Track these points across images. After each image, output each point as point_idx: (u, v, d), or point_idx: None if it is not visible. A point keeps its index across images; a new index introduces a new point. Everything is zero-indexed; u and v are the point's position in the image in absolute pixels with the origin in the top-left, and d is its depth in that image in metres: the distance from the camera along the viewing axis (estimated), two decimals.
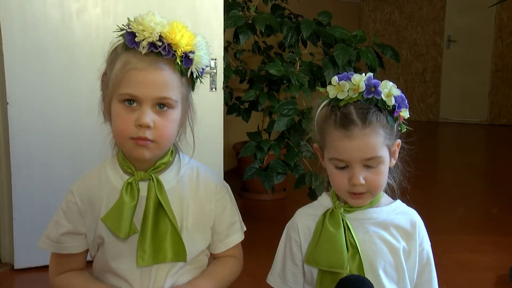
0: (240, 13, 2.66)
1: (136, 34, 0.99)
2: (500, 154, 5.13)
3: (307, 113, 2.41)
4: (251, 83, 2.89)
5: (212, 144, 2.22)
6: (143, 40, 0.99)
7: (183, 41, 1.00)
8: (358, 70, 2.52)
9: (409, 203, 1.15)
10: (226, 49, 2.78)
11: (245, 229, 1.22)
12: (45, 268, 2.10)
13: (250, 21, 2.70)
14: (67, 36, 2.08)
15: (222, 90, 2.25)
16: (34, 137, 2.08)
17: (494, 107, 6.73)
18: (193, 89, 1.10)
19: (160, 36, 0.99)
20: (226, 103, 2.79)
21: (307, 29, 2.66)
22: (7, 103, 2.03)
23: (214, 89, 2.20)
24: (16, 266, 2.14)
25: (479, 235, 2.68)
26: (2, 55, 2.02)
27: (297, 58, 2.69)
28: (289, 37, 2.74)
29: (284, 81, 2.62)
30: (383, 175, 1.05)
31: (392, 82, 1.06)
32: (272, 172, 2.59)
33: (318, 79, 2.75)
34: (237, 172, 3.41)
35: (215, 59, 2.18)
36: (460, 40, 6.77)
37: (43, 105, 2.08)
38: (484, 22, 6.58)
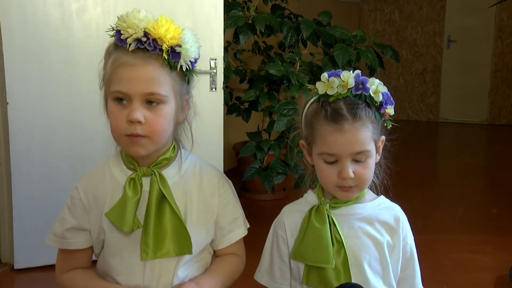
0: (240, 13, 2.66)
1: (122, 32, 1.01)
2: (500, 154, 5.13)
3: None
4: (251, 83, 2.89)
5: (212, 144, 2.22)
6: (128, 37, 1.01)
7: (168, 35, 1.01)
8: None
9: (391, 200, 1.17)
10: (226, 49, 2.78)
11: (248, 225, 1.23)
12: (44, 268, 2.11)
13: (250, 21, 2.70)
14: (67, 36, 2.08)
15: (222, 90, 2.25)
16: (34, 137, 2.08)
17: (494, 107, 6.73)
18: (188, 83, 1.10)
19: (144, 31, 1.01)
20: (226, 103, 2.79)
21: (307, 29, 2.66)
22: (7, 103, 2.03)
23: (214, 89, 2.20)
24: (16, 266, 2.14)
25: (479, 235, 2.68)
26: (2, 55, 2.02)
27: (297, 58, 2.69)
28: (289, 37, 2.74)
29: (284, 81, 2.62)
30: (371, 169, 1.07)
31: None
32: (272, 172, 2.59)
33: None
34: (237, 172, 3.41)
35: (215, 59, 2.18)
36: (460, 40, 6.76)
37: (43, 105, 2.08)
38: (484, 22, 6.58)
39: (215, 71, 2.19)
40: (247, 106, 2.96)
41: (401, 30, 7.07)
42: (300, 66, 2.70)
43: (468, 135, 6.22)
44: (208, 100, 2.18)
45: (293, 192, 3.03)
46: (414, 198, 3.28)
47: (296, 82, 2.51)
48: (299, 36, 2.77)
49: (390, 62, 6.54)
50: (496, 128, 6.56)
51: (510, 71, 6.60)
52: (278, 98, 2.75)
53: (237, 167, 3.50)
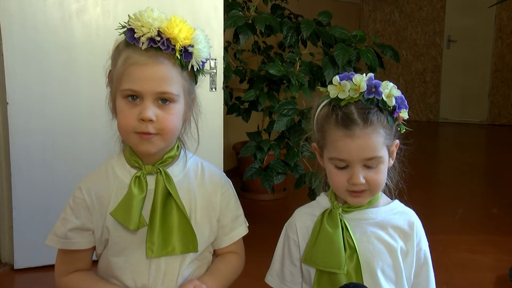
0: (240, 13, 2.66)
1: (135, 30, 1.02)
2: (500, 154, 5.13)
3: (307, 113, 2.41)
4: (251, 83, 2.89)
5: (212, 144, 2.22)
6: (142, 36, 1.01)
7: (181, 35, 1.02)
8: (358, 70, 2.52)
9: (406, 203, 1.15)
10: (226, 49, 2.78)
11: (247, 224, 1.23)
12: (45, 268, 2.11)
13: (250, 21, 2.69)
14: (67, 36, 2.08)
15: (222, 90, 2.25)
16: (34, 137, 2.08)
17: (494, 107, 6.73)
18: (196, 82, 1.11)
19: (158, 31, 1.01)
20: (226, 103, 2.79)
21: (307, 29, 2.66)
22: (7, 103, 2.03)
23: (214, 89, 2.20)
24: (16, 266, 2.14)
25: (479, 235, 2.68)
26: (2, 55, 2.02)
27: (297, 58, 2.69)
28: (289, 37, 2.73)
29: (284, 81, 2.62)
30: (383, 174, 1.05)
31: (392, 82, 1.06)
32: (272, 172, 2.59)
33: (318, 79, 2.75)
34: (237, 172, 3.41)
35: (215, 59, 2.18)
36: (460, 40, 6.76)
37: (43, 105, 2.08)
38: (484, 22, 6.58)
39: (215, 71, 2.19)
40: (247, 106, 2.96)
41: (401, 30, 7.07)
42: (300, 66, 2.70)
43: (468, 135, 6.22)
44: (208, 100, 2.18)
45: (293, 192, 3.03)
46: (414, 198, 3.27)
47: (296, 82, 2.51)
48: (299, 36, 2.77)
49: (390, 62, 6.55)
50: (496, 128, 6.56)
51: (510, 71, 6.60)
52: (278, 98, 2.75)
53: (237, 167, 3.50)
